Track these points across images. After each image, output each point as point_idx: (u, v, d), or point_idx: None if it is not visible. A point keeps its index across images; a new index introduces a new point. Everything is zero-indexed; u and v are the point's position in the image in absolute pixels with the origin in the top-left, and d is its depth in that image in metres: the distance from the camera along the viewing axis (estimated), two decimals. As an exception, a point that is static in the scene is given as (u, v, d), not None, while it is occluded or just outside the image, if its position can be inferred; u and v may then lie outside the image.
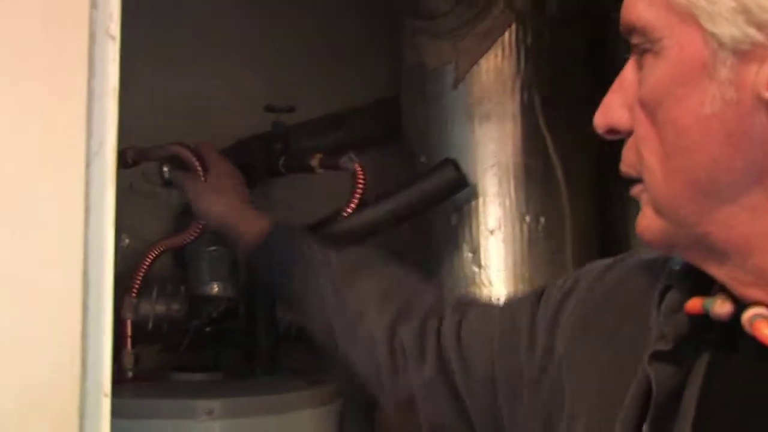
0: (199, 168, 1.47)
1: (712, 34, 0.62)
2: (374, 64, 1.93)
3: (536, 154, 1.65)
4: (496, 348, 0.94)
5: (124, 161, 1.55)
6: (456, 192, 1.62)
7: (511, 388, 0.90)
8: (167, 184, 1.63)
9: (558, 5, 1.71)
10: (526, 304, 0.93)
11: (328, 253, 1.20)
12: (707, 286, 0.70)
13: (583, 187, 1.72)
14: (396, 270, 1.19)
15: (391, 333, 1.06)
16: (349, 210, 1.58)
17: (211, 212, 1.36)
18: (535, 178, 1.65)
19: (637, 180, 0.70)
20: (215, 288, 1.61)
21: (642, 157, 0.68)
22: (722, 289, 0.69)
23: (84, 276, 0.64)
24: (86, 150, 0.64)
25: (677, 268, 0.74)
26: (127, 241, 1.62)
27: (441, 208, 1.66)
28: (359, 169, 1.56)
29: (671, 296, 0.73)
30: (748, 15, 0.61)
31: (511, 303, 1.02)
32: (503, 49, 1.66)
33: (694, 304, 0.70)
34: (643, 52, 0.67)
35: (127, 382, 1.53)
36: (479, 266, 1.65)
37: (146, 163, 1.60)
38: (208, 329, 1.61)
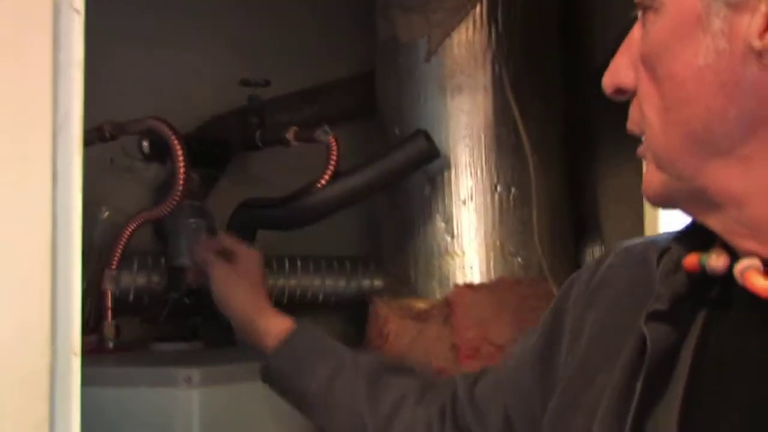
0: (176, 142, 1.50)
1: None
2: (350, 39, 1.94)
3: (507, 125, 1.68)
4: (506, 390, 0.95)
5: (101, 135, 1.57)
6: (427, 162, 1.65)
7: (530, 424, 0.91)
8: (147, 158, 1.65)
9: (529, -21, 1.73)
10: (529, 341, 0.93)
11: (355, 353, 1.20)
12: (704, 248, 0.72)
13: (552, 158, 1.74)
14: (425, 370, 1.22)
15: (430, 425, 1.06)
16: (324, 181, 1.61)
17: (235, 303, 1.31)
18: (506, 149, 1.68)
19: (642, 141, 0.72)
20: (193, 259, 1.62)
21: (644, 113, 0.70)
22: (721, 248, 0.70)
23: (53, 240, 0.66)
24: (52, 120, 0.66)
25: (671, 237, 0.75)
26: (107, 213, 1.64)
27: (415, 179, 1.70)
28: (333, 141, 1.60)
29: (668, 258, 0.74)
30: None
31: (516, 348, 1.01)
32: (474, 23, 1.68)
33: (691, 260, 0.71)
34: (645, 11, 0.69)
35: (109, 353, 1.56)
36: (452, 236, 1.68)
37: (126, 138, 1.62)
38: (187, 300, 1.63)
